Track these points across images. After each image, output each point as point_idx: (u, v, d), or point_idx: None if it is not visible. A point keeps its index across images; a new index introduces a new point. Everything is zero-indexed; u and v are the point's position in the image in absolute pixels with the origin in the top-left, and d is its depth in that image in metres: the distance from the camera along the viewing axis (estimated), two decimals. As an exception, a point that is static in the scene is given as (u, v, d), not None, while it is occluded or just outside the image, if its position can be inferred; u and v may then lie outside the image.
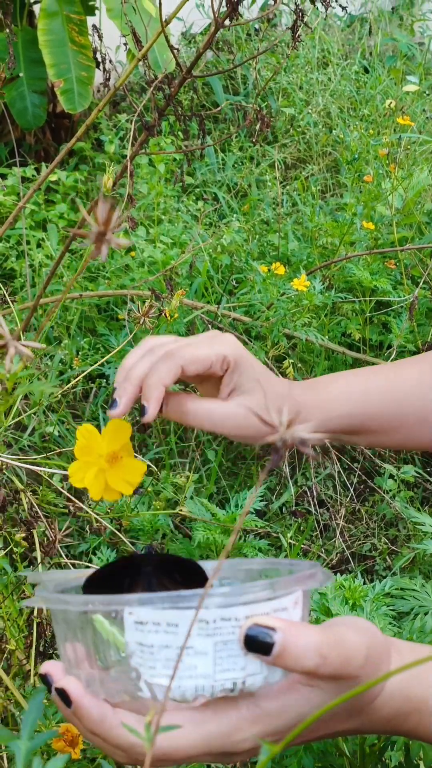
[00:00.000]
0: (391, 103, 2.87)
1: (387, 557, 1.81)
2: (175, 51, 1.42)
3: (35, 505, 0.85)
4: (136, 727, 0.48)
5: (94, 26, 1.66)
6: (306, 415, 0.72)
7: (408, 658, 0.54)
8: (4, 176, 2.80)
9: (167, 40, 1.36)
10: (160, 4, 1.35)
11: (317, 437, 0.32)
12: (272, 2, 4.31)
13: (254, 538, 1.65)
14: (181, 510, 1.54)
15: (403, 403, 0.75)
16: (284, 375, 1.70)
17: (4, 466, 0.85)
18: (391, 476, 1.87)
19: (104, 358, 1.47)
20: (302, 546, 1.78)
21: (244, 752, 0.49)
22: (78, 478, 0.65)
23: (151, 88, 1.44)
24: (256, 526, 1.56)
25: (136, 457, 0.67)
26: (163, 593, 0.49)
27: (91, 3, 2.95)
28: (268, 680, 0.50)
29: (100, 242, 0.35)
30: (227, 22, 1.41)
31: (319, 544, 1.81)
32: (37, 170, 2.90)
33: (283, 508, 1.88)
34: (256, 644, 0.47)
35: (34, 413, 2.01)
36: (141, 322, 0.93)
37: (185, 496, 1.62)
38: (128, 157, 1.35)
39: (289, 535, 1.78)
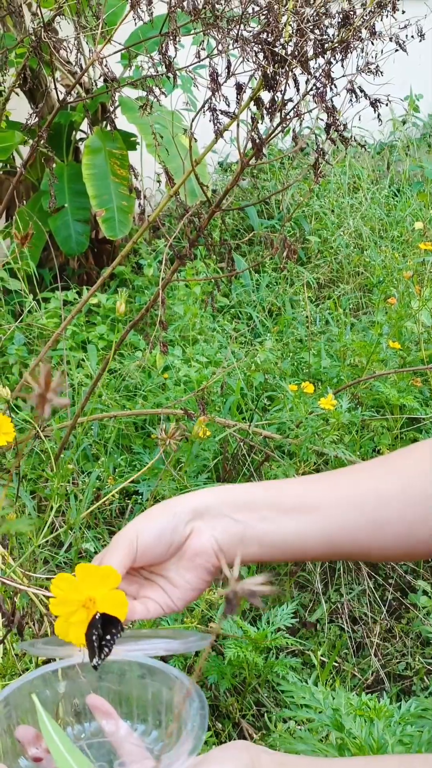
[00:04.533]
0: (418, 225, 2.98)
1: (425, 677, 1.78)
2: (205, 187, 1.52)
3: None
4: None
5: (130, 165, 1.79)
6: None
7: None
8: (47, 300, 2.93)
9: (197, 178, 1.47)
10: (190, 146, 1.46)
11: (266, 590, 0.36)
12: (304, 133, 4.52)
13: (286, 656, 1.64)
14: (212, 627, 1.55)
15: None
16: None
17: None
18: (425, 593, 1.86)
19: (138, 474, 1.51)
20: (334, 664, 1.77)
21: None
22: (65, 633, 0.65)
23: (182, 221, 1.54)
24: (288, 643, 1.55)
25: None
26: None
27: (132, 139, 3.14)
28: None
29: (42, 402, 0.40)
30: (253, 160, 1.52)
31: (352, 662, 1.79)
32: (79, 294, 3.03)
33: (317, 625, 1.87)
34: None
35: (71, 529, 2.05)
36: (167, 444, 0.97)
37: (218, 613, 1.63)
38: (160, 287, 1.43)
39: (320, 652, 1.76)
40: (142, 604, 0.72)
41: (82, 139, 3.34)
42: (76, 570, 0.65)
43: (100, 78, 3.01)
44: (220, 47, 1.29)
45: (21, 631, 0.72)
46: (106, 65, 1.43)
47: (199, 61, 1.42)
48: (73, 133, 3.29)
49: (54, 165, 2.22)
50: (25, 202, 3.27)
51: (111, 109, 1.59)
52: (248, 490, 0.75)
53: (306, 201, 3.47)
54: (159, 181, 1.63)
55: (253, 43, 1.29)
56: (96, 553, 1.97)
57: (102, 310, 2.95)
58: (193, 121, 1.43)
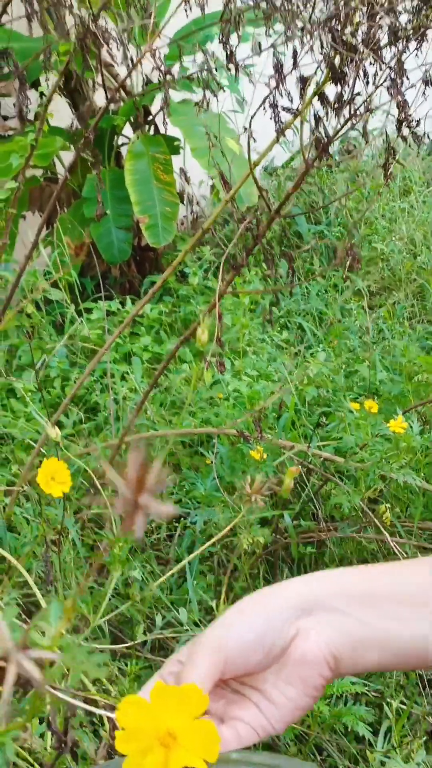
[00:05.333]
0: None
1: None
2: (264, 192, 1.40)
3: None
4: None
5: (181, 169, 1.67)
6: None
7: None
8: (89, 310, 2.83)
9: (256, 183, 1.34)
10: (249, 148, 1.34)
11: None
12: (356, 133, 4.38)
13: (354, 704, 1.50)
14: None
15: None
16: (380, 519, 1.60)
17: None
18: None
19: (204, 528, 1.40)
20: (402, 707, 1.62)
21: None
22: None
23: (241, 228, 1.41)
24: (356, 691, 1.42)
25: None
26: None
27: (176, 143, 3.03)
28: None
29: (134, 512, 0.26)
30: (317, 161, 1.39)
31: (425, 707, 1.65)
32: (122, 303, 2.92)
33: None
34: None
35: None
36: (253, 500, 0.82)
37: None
38: (216, 298, 1.31)
39: (389, 694, 1.62)
40: (231, 728, 0.56)
41: (124, 144, 3.24)
42: (151, 693, 0.50)
43: (144, 80, 2.90)
44: (288, 33, 1.16)
45: (75, 756, 0.59)
46: (159, 57, 1.32)
47: (260, 52, 1.29)
48: (115, 137, 3.19)
49: (98, 171, 2.13)
50: (66, 209, 3.18)
51: (161, 105, 1.47)
52: (365, 576, 0.59)
53: (366, 206, 3.33)
54: (212, 185, 1.51)
55: (320, 30, 1.17)
56: (144, 581, 1.85)
57: (146, 320, 2.84)
58: (251, 119, 1.31)
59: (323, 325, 2.96)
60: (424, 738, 1.56)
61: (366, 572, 0.59)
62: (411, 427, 1.52)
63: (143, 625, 1.75)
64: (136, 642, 1.27)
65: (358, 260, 1.54)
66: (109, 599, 1.85)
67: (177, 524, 1.97)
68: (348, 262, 1.53)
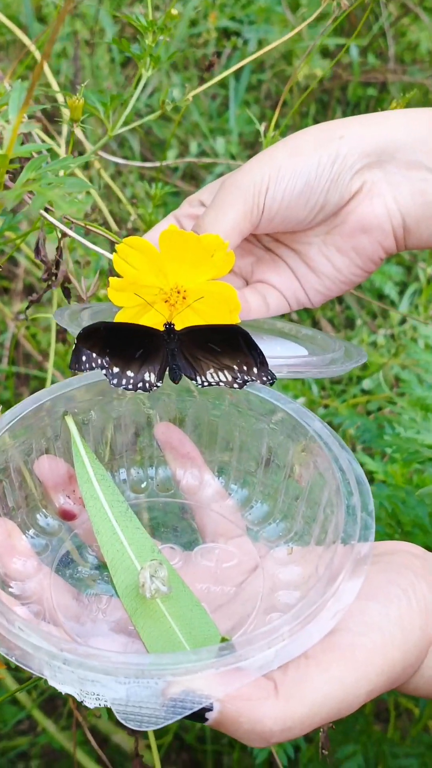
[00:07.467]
0: None
1: None
2: None
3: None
4: None
5: None
6: None
7: None
8: None
9: None
10: None
11: None
12: None
13: (385, 263, 1.44)
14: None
15: None
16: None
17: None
18: None
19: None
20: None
21: None
22: None
23: None
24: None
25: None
26: None
27: None
28: None
29: None
30: None
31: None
32: None
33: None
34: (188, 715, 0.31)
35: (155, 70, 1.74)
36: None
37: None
38: None
39: (422, 258, 1.56)
40: (257, 293, 0.45)
41: None
42: (160, 237, 0.38)
43: None
44: None
45: (67, 292, 0.49)
46: None
47: None
48: None
49: None
50: None
51: None
52: None
53: None
54: None
55: None
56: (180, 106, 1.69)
57: None
58: None
59: None
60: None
61: None
62: None
63: (176, 150, 1.63)
64: (164, 163, 1.16)
65: None
66: (140, 115, 1.71)
67: (226, 42, 1.75)
68: None
